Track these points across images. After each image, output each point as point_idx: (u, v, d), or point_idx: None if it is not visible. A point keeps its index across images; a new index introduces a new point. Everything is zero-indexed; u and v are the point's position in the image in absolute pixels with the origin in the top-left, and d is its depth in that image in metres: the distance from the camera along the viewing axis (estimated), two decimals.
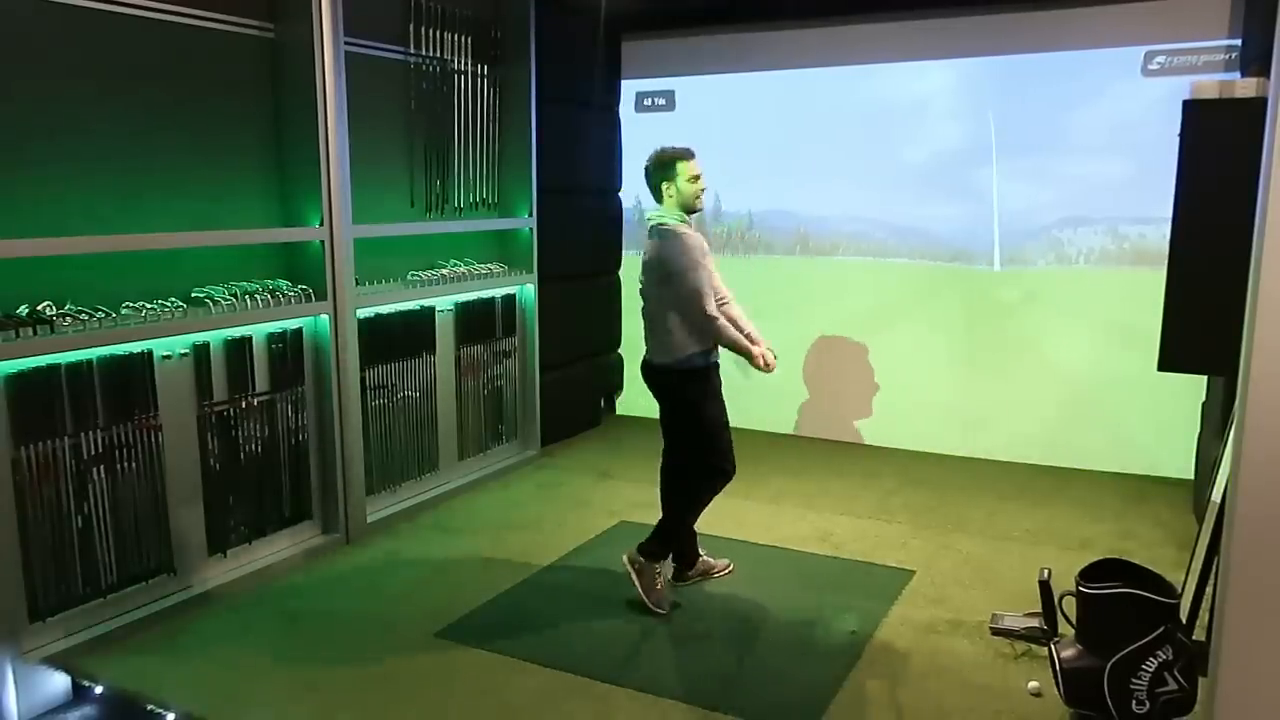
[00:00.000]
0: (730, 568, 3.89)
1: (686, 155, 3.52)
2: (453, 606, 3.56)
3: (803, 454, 5.56)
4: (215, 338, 3.65)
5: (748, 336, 3.58)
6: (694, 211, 3.54)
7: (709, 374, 3.53)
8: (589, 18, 5.70)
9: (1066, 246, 5.18)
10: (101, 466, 3.29)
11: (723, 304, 3.60)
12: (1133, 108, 4.90)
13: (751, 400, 6.06)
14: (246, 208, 3.89)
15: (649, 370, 3.60)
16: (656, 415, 3.67)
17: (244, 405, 3.79)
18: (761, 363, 3.48)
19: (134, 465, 3.39)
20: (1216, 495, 2.98)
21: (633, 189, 6.23)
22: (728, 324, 3.50)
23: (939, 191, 5.46)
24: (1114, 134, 4.95)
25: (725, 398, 3.58)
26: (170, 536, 3.54)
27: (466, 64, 4.94)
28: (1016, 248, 5.29)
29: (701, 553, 3.84)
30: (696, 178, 3.51)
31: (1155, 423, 4.95)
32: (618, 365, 6.42)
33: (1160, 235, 4.36)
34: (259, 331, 3.83)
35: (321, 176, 3.94)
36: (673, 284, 3.43)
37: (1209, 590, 2.85)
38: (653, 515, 3.68)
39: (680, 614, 3.51)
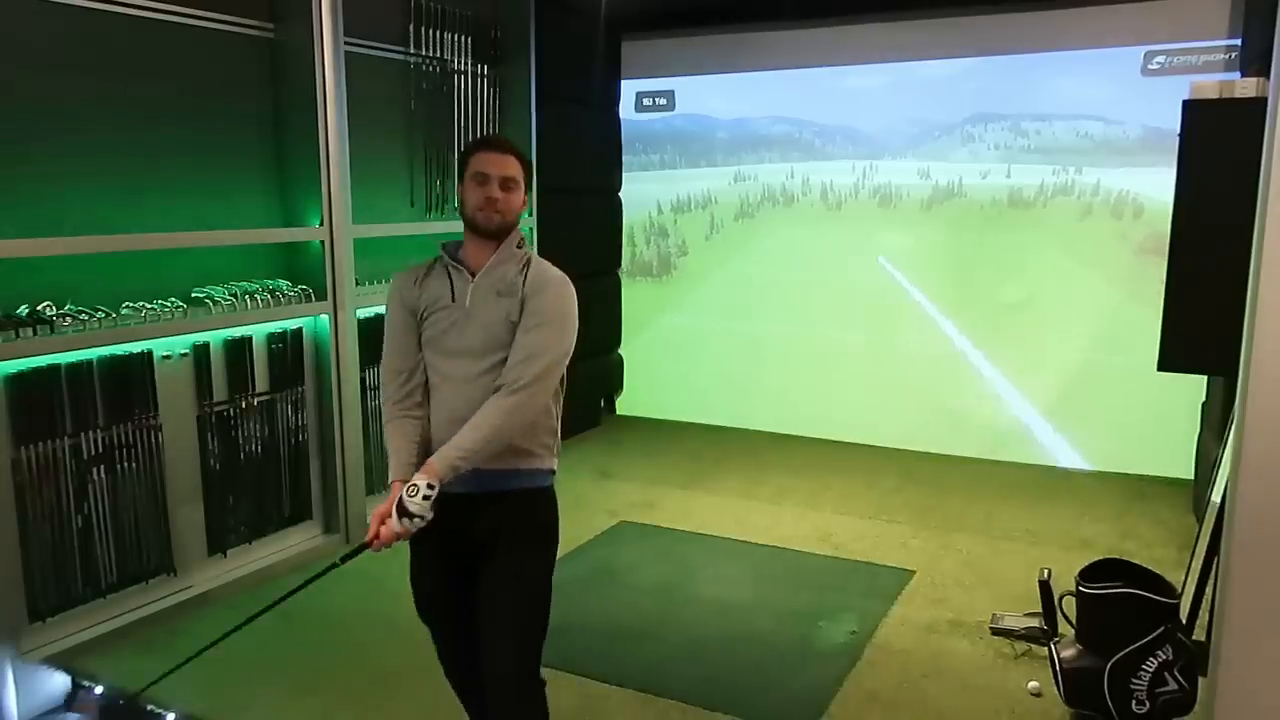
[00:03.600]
0: None
1: (483, 145, 2.26)
2: None
3: (803, 454, 5.55)
4: (215, 338, 3.65)
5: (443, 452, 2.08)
6: (481, 231, 2.16)
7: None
8: (589, 18, 5.70)
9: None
10: (101, 466, 3.29)
11: (440, 378, 2.19)
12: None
13: (752, 399, 6.12)
14: (246, 208, 3.88)
15: None
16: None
17: (244, 405, 3.79)
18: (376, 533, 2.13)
19: (134, 465, 3.39)
20: (1216, 495, 2.98)
21: (632, 189, 6.24)
22: (401, 426, 2.21)
23: (935, 195, 5.46)
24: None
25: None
26: (170, 536, 3.54)
27: (466, 64, 4.93)
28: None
29: None
30: (483, 179, 2.16)
31: (1155, 422, 4.94)
32: (618, 365, 6.40)
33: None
34: (259, 331, 3.82)
35: (321, 176, 3.94)
36: None
37: (1209, 590, 2.86)
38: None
39: (680, 614, 3.51)
